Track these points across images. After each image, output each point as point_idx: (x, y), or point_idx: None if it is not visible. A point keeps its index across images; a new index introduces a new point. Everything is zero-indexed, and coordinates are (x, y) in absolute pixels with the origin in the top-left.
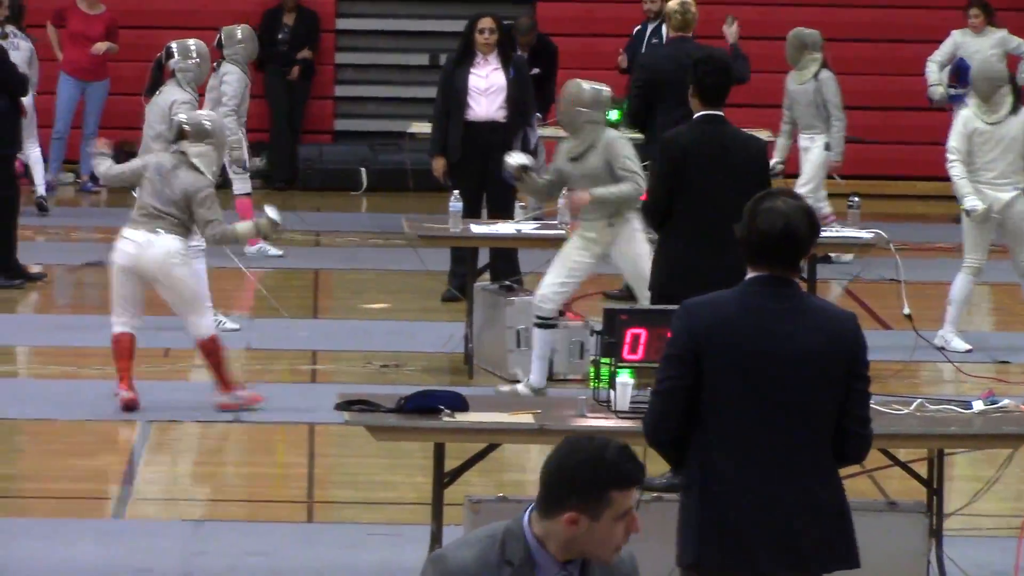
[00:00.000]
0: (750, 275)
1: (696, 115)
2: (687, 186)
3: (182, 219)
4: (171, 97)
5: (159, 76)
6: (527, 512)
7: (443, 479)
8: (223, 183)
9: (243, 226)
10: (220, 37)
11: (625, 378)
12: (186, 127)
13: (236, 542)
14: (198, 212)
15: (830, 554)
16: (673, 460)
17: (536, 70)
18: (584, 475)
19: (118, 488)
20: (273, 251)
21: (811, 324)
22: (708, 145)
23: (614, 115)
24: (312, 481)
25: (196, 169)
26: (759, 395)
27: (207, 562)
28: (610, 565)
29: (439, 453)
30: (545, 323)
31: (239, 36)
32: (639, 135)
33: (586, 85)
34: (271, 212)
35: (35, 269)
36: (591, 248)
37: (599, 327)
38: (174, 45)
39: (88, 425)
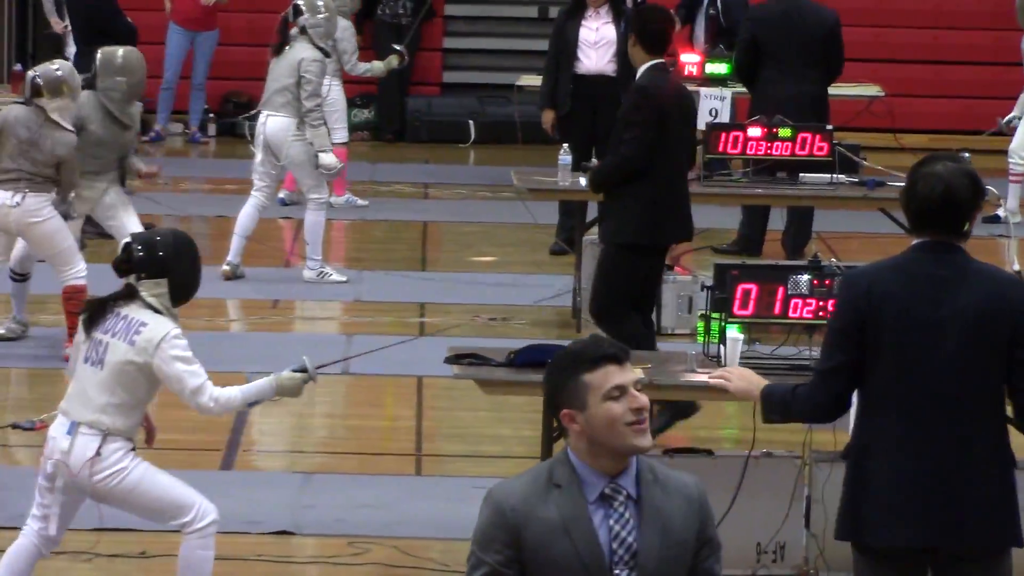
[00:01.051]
0: (914, 241)
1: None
2: (665, 138)
3: (50, 177)
4: (300, 54)
5: (286, 33)
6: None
7: (552, 433)
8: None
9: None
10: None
11: (735, 333)
12: (39, 82)
13: (345, 494)
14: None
15: (996, 530)
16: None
17: None
18: (555, 375)
19: (227, 439)
20: (360, 202)
21: (976, 290)
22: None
23: (723, 68)
24: (420, 434)
25: (59, 126)
26: (923, 364)
27: (316, 515)
28: (635, 449)
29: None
30: None
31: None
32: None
33: None
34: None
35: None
36: None
37: (708, 282)
38: (301, 1)
39: None
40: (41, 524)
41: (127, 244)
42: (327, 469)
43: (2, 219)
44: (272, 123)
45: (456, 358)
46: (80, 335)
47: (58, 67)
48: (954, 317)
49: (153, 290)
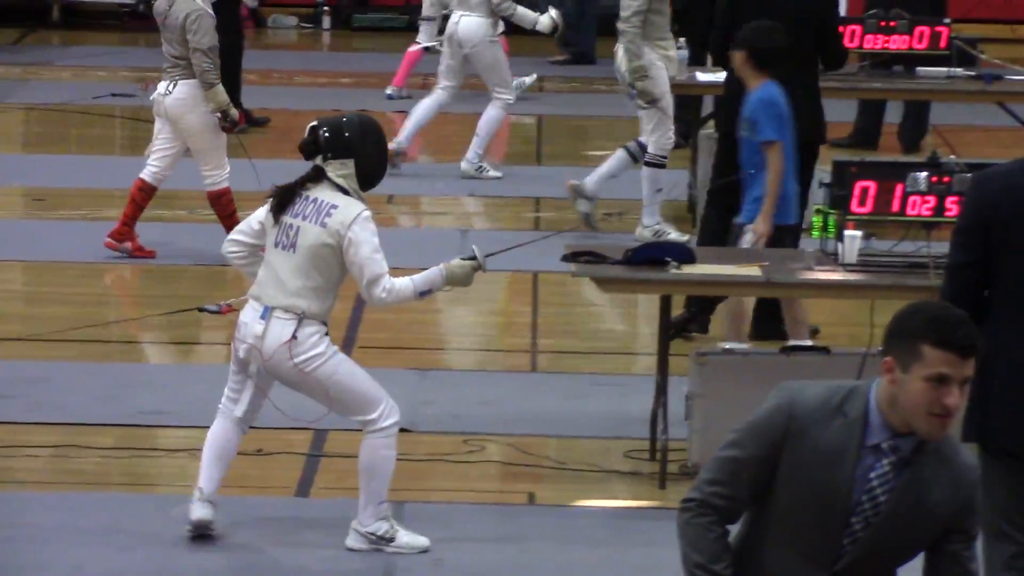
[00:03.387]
0: None
1: None
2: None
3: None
4: None
5: None
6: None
7: (669, 331)
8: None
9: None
10: None
11: (853, 231)
12: None
13: (460, 391)
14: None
15: None
16: None
17: None
18: (907, 323)
19: (343, 336)
20: (528, 79)
21: None
22: None
23: None
24: (536, 330)
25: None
26: None
27: (433, 411)
28: (924, 434)
29: (665, 305)
30: None
31: None
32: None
33: None
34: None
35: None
36: None
37: (826, 178)
38: None
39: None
40: (232, 406)
41: (313, 127)
42: (442, 366)
43: (160, 110)
44: (465, 23)
45: (572, 256)
46: (268, 220)
47: None
48: None
49: (340, 171)
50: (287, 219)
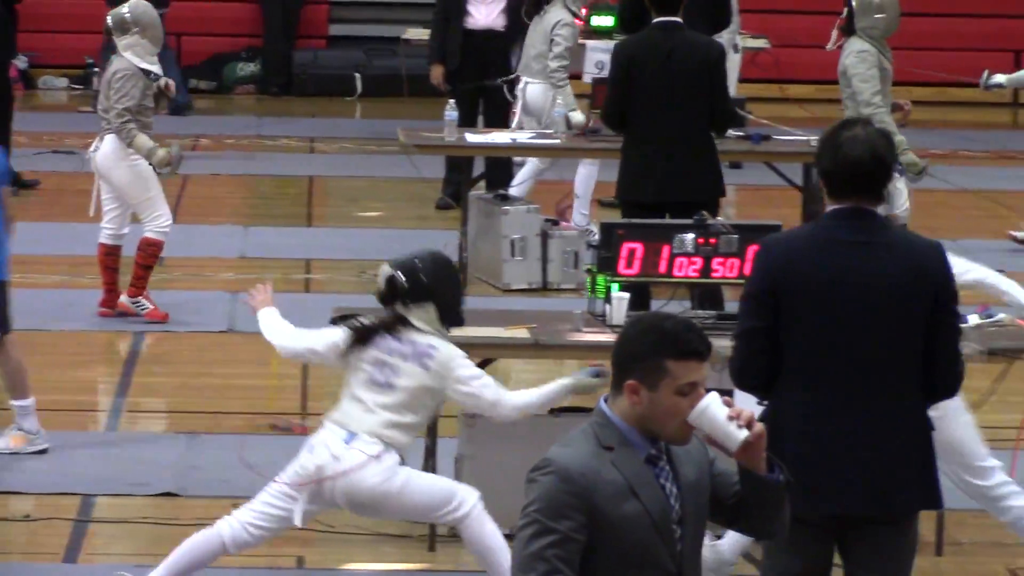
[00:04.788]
0: (830, 208)
1: (653, 22)
2: (636, 93)
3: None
4: (555, 18)
5: None
6: (603, 400)
7: None
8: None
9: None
10: None
11: (621, 292)
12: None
13: (230, 455)
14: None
15: (912, 494)
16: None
17: None
18: (642, 343)
19: (112, 401)
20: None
21: (894, 257)
22: (655, 52)
23: (610, 21)
24: (306, 393)
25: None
26: (838, 331)
27: (202, 476)
28: (676, 443)
29: None
30: None
31: None
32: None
33: None
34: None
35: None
36: None
37: (595, 239)
38: None
39: (81, 336)
40: (253, 523)
41: (391, 277)
42: (212, 429)
43: (93, 167)
44: (531, 89)
45: (341, 319)
46: (344, 340)
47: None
48: (872, 285)
49: (422, 316)
50: (380, 355)
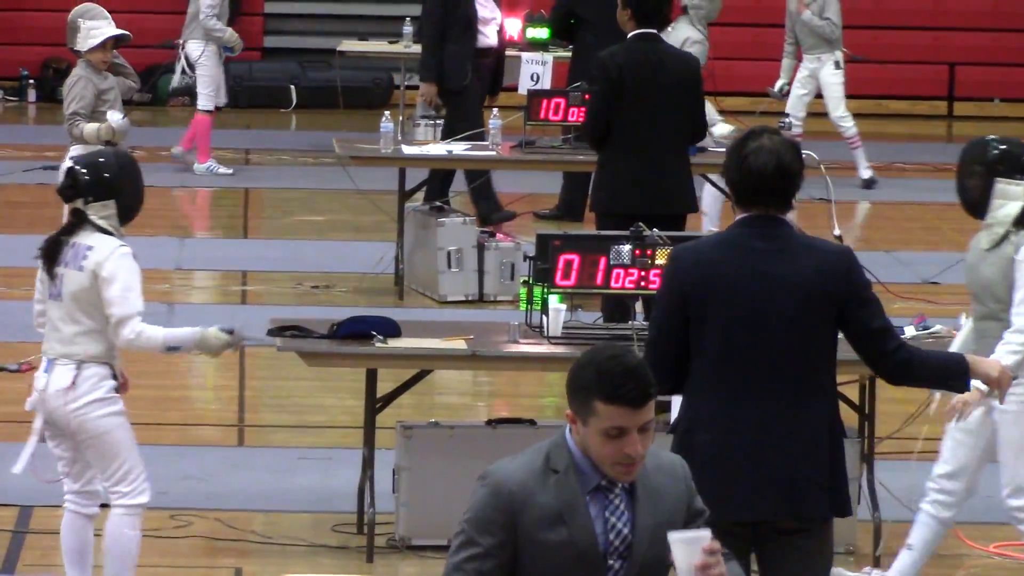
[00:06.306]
0: (739, 216)
1: (631, 34)
2: (624, 104)
3: None
4: (683, 34)
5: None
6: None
7: (375, 404)
8: None
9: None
10: None
11: (557, 304)
12: None
13: (166, 467)
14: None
15: (820, 498)
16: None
17: None
18: (581, 377)
19: None
20: (223, 170)
21: (802, 263)
22: (643, 63)
23: (544, 33)
24: (243, 404)
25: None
26: (750, 339)
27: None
28: (626, 482)
29: (371, 379)
30: None
31: None
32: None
33: None
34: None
35: None
36: None
37: (531, 250)
38: None
39: (17, 347)
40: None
41: (71, 168)
42: (148, 441)
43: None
44: None
45: (278, 330)
46: (44, 276)
47: None
48: (781, 291)
49: (102, 212)
50: (58, 270)
